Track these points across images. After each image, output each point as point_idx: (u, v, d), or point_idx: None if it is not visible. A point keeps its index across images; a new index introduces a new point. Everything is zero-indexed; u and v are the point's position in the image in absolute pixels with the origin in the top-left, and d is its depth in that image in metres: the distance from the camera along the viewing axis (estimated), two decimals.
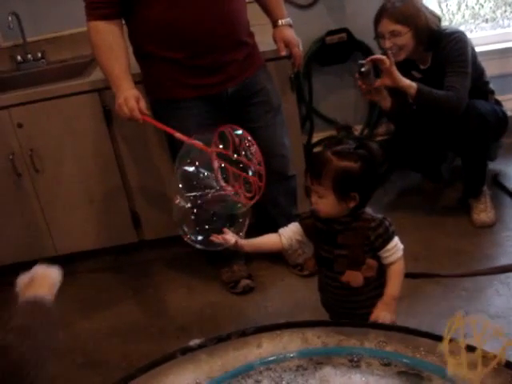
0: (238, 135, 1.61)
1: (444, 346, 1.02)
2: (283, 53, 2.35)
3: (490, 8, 3.72)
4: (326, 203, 1.56)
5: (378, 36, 2.56)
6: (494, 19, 3.72)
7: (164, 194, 2.79)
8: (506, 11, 3.69)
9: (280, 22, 2.35)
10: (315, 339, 1.18)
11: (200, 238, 1.71)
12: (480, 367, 0.99)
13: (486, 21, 3.70)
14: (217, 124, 2.17)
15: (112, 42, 2.09)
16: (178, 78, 2.15)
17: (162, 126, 1.91)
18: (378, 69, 2.47)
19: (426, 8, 2.57)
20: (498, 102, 2.78)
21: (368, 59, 2.44)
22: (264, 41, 2.43)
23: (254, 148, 1.62)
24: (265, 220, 2.71)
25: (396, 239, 1.59)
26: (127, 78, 2.08)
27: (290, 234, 1.72)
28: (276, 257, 2.71)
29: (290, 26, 2.38)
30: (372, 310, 1.58)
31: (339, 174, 1.53)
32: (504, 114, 2.73)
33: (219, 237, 1.66)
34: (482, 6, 3.67)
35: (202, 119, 2.19)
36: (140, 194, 2.79)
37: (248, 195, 1.64)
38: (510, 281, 2.30)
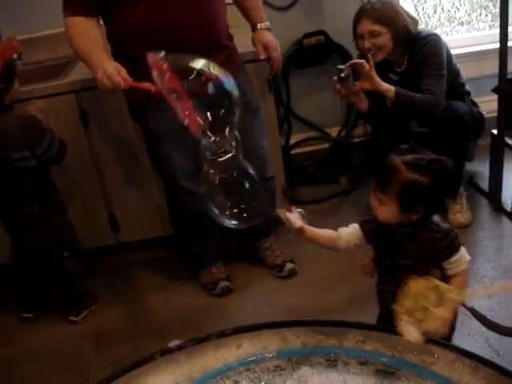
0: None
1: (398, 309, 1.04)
2: (262, 56, 2.36)
3: (466, 11, 3.77)
4: (386, 211, 1.49)
5: (357, 37, 2.58)
6: (470, 22, 3.77)
7: (142, 196, 2.78)
8: (481, 14, 3.75)
9: (259, 25, 2.36)
10: (294, 339, 1.19)
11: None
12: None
13: (462, 24, 3.76)
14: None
15: (89, 31, 2.06)
16: None
17: (146, 85, 1.71)
18: (356, 72, 2.48)
19: (404, 10, 2.60)
20: (474, 103, 2.82)
21: (347, 64, 2.46)
22: (242, 43, 2.43)
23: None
24: None
25: (462, 251, 1.51)
26: (106, 57, 2.02)
27: (349, 237, 1.64)
28: (254, 258, 2.72)
29: (269, 29, 2.39)
30: None
31: (407, 186, 1.46)
32: (481, 114, 2.77)
33: (285, 213, 1.54)
34: (458, 9, 3.73)
35: (178, 123, 2.17)
36: (117, 196, 2.78)
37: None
38: None
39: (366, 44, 2.51)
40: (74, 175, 2.69)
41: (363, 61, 2.42)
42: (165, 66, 1.38)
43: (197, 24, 2.10)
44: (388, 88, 2.45)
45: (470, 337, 1.93)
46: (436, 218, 1.53)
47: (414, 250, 1.52)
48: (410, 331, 1.12)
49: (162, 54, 1.41)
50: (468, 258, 1.51)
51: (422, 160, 1.47)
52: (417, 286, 1.22)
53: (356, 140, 3.46)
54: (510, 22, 2.61)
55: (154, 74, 1.42)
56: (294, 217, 1.55)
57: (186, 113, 1.41)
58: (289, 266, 2.62)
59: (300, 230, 1.56)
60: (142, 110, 2.24)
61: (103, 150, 2.66)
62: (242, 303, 2.49)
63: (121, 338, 2.39)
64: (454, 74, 2.67)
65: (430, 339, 1.13)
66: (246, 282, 2.62)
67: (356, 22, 2.58)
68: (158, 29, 2.06)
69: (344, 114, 3.45)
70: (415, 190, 1.45)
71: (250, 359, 1.17)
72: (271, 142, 2.63)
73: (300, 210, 1.59)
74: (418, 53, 2.54)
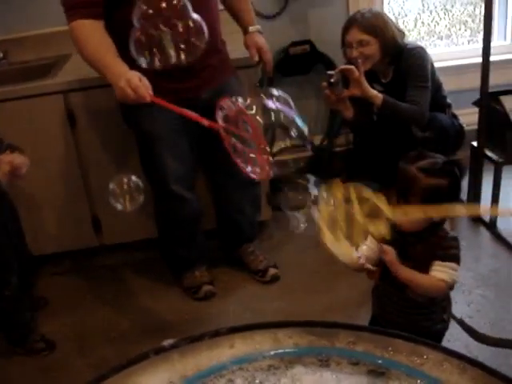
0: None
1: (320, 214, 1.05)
2: (256, 59, 2.38)
3: (446, 26, 3.85)
4: (412, 221, 1.51)
5: (346, 45, 2.62)
6: (449, 36, 3.86)
7: None
8: (460, 29, 3.84)
9: (251, 28, 2.38)
10: (287, 339, 1.21)
11: None
12: None
13: (441, 38, 3.85)
14: (188, 130, 2.20)
15: (99, 36, 2.02)
16: (153, 81, 2.16)
17: (173, 107, 1.69)
18: (344, 79, 2.53)
19: (393, 22, 2.65)
20: (454, 116, 2.89)
21: (337, 69, 2.50)
22: (232, 49, 2.46)
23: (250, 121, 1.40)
24: (228, 226, 2.74)
25: (454, 265, 1.52)
26: (122, 63, 1.95)
27: (369, 252, 1.61)
28: (237, 263, 2.74)
29: (260, 32, 2.42)
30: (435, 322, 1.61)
31: (428, 191, 1.48)
32: (461, 126, 2.84)
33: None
34: (438, 23, 3.81)
35: (174, 124, 2.19)
36: (102, 198, 2.76)
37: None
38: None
39: (354, 53, 2.55)
40: (59, 175, 2.68)
41: (353, 67, 2.46)
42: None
43: None
44: (376, 95, 2.49)
45: (450, 342, 1.97)
46: (446, 227, 1.57)
47: (419, 252, 1.55)
48: (340, 246, 1.12)
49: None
50: (455, 278, 1.52)
51: (437, 164, 1.51)
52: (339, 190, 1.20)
53: (338, 149, 3.50)
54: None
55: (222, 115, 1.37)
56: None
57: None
58: (272, 271, 2.65)
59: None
60: (135, 113, 2.23)
61: (89, 151, 2.66)
62: (224, 307, 2.51)
63: (104, 340, 2.39)
64: (437, 87, 2.73)
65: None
66: (229, 287, 2.64)
67: (345, 30, 2.61)
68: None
69: (326, 123, 3.49)
70: (437, 193, 1.48)
71: (243, 358, 1.18)
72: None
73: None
74: (403, 64, 2.59)
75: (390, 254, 1.55)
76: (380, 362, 1.13)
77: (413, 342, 1.15)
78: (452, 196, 1.53)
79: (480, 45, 2.71)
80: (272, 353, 1.19)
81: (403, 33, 2.67)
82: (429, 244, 1.55)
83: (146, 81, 1.87)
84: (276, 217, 3.07)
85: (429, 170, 1.51)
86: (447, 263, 1.52)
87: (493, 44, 2.67)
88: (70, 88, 2.54)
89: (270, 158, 1.40)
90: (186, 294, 2.61)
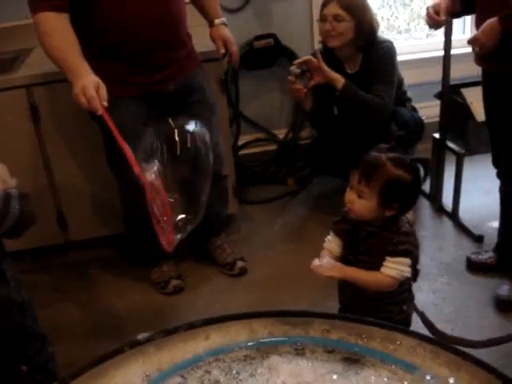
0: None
1: None
2: (222, 51, 2.38)
3: (405, 20, 3.93)
4: (364, 205, 1.54)
5: (321, 19, 2.63)
6: (408, 31, 3.93)
7: (91, 195, 2.75)
8: (418, 23, 3.92)
9: (217, 21, 2.38)
10: (262, 329, 1.22)
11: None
12: None
13: (400, 32, 3.92)
14: (156, 123, 2.18)
15: (63, 30, 1.98)
16: (119, 75, 2.13)
17: (115, 131, 1.78)
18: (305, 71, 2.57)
19: (373, 11, 2.69)
20: (414, 109, 2.94)
21: (300, 60, 2.53)
22: (197, 42, 2.45)
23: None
24: None
25: (404, 260, 1.54)
26: (84, 64, 1.94)
27: (335, 247, 1.67)
28: (205, 257, 2.74)
29: (226, 25, 2.42)
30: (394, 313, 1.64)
31: (391, 181, 1.52)
32: (421, 120, 2.89)
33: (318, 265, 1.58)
34: (397, 18, 3.88)
35: (141, 118, 2.18)
36: (66, 194, 2.74)
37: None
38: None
39: (327, 26, 2.58)
40: (22, 171, 2.62)
41: (310, 57, 2.51)
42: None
43: (164, 18, 2.12)
44: (338, 78, 2.53)
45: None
46: (403, 223, 1.59)
47: (373, 246, 1.58)
48: None
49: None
50: (405, 274, 1.55)
51: (406, 158, 1.54)
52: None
53: (302, 142, 3.53)
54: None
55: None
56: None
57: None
58: (239, 264, 2.66)
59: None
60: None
61: (53, 146, 2.62)
62: (193, 301, 2.51)
63: (72, 337, 2.35)
64: (399, 83, 2.78)
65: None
66: (198, 281, 2.64)
67: (324, 4, 2.63)
68: (130, 23, 2.05)
69: (291, 116, 3.52)
70: (398, 185, 1.52)
71: (219, 350, 1.19)
72: (223, 141, 2.65)
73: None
74: (373, 55, 2.62)
75: (332, 264, 1.58)
76: (354, 349, 1.15)
77: (386, 328, 1.17)
78: (411, 194, 1.57)
79: (439, 39, 2.76)
80: (247, 343, 1.20)
81: (379, 25, 2.71)
82: (381, 239, 1.57)
83: (103, 91, 1.86)
84: (243, 210, 3.08)
85: (398, 161, 1.54)
86: (397, 259, 1.54)
87: (452, 38, 2.72)
88: (32, 82, 2.49)
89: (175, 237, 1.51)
90: (154, 288, 2.60)
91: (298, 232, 2.98)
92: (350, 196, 1.57)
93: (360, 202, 1.55)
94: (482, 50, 2.14)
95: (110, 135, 2.32)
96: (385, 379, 1.06)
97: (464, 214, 2.87)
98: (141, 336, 1.21)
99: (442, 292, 2.39)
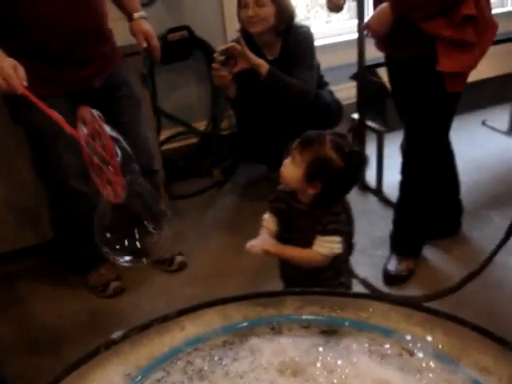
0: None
1: None
2: (144, 45, 2.33)
3: (306, 7, 4.03)
4: (292, 171, 1.58)
5: (242, 5, 2.66)
6: (308, 18, 4.04)
7: (12, 203, 2.62)
8: (317, 11, 4.04)
9: (136, 15, 2.33)
10: (236, 314, 1.22)
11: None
12: None
13: (301, 21, 4.02)
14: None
15: None
16: (42, 74, 2.04)
17: (41, 104, 1.65)
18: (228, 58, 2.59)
19: None
20: (330, 93, 3.02)
21: (223, 47, 2.55)
22: (116, 37, 2.40)
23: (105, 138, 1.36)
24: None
25: (333, 238, 1.60)
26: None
27: (273, 224, 1.69)
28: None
29: (145, 18, 2.38)
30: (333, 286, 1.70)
31: (321, 158, 1.55)
32: (339, 103, 2.98)
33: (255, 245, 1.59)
34: (297, 6, 3.97)
35: (69, 116, 2.08)
36: None
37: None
38: None
39: (250, 12, 2.60)
40: None
41: (234, 43, 2.53)
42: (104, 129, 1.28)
43: (87, 13, 2.07)
44: (262, 63, 2.58)
45: None
46: (339, 206, 1.63)
47: (303, 225, 1.63)
48: None
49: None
50: (335, 251, 1.61)
51: (346, 147, 1.57)
52: None
53: (224, 132, 3.54)
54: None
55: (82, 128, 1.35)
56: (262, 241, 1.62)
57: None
58: (179, 258, 2.64)
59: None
60: (25, 109, 2.09)
61: None
62: (136, 301, 2.46)
63: (12, 353, 2.24)
64: (317, 67, 2.85)
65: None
66: (138, 280, 2.59)
67: None
68: (52, 19, 1.98)
69: (209, 108, 3.52)
70: (325, 166, 1.55)
71: (197, 339, 1.18)
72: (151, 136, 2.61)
73: None
74: (292, 41, 2.67)
75: (265, 238, 1.64)
76: (330, 321, 1.18)
77: (356, 297, 1.21)
78: (337, 182, 1.58)
79: (350, 23, 2.85)
80: (224, 329, 1.20)
81: (296, 13, 2.77)
82: (312, 217, 1.63)
83: (21, 71, 1.77)
84: (173, 205, 3.06)
85: (336, 145, 1.56)
86: (326, 237, 1.61)
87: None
88: None
89: (123, 181, 1.32)
90: (93, 293, 2.52)
91: (230, 221, 3.00)
92: (286, 159, 1.62)
93: (290, 167, 1.59)
94: (375, 36, 2.17)
95: (37, 140, 2.25)
96: (366, 345, 1.09)
97: (388, 189, 2.98)
98: (115, 335, 1.19)
99: (380, 265, 2.48)
